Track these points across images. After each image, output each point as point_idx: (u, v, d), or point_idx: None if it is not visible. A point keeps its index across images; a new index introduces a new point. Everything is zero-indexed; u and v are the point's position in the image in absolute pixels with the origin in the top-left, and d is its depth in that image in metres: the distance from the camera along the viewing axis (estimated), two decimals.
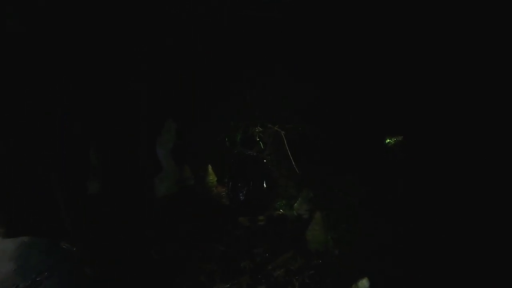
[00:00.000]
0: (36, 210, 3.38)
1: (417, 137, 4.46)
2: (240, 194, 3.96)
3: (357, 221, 3.98)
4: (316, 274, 3.55)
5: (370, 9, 4.32)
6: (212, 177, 5.02)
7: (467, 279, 3.25)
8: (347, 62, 4.68)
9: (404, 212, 4.03)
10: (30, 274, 2.14)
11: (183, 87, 5.16)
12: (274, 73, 4.90)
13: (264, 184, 4.30)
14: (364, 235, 3.90)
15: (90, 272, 2.98)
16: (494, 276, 3.15)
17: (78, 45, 3.68)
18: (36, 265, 2.23)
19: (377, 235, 3.92)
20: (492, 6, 3.57)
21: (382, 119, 4.83)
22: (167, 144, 5.08)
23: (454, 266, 3.38)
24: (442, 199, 3.92)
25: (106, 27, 3.91)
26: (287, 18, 4.63)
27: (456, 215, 3.77)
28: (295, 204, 4.29)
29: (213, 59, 4.89)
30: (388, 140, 4.98)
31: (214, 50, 4.85)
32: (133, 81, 4.27)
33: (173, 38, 4.57)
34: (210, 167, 5.07)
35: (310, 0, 4.56)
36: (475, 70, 3.93)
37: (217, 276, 3.47)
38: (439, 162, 4.15)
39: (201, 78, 5.05)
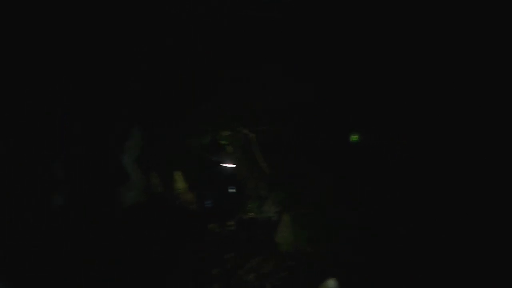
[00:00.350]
0: None
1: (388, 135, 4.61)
2: (208, 201, 3.89)
3: (326, 220, 4.05)
4: (288, 275, 3.57)
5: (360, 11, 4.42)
6: (180, 184, 4.89)
7: (437, 272, 3.40)
8: (322, 64, 4.75)
9: (373, 208, 4.15)
10: None
11: (149, 92, 5.01)
12: (242, 78, 4.88)
13: (233, 189, 4.26)
14: (333, 233, 3.99)
15: None
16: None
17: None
18: None
19: (346, 232, 4.03)
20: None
21: (348, 118, 4.94)
22: (133, 152, 4.92)
23: (422, 257, 3.52)
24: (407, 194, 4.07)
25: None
26: (263, 21, 4.62)
27: (424, 208, 3.92)
28: (265, 206, 4.29)
29: (182, 64, 4.80)
30: (353, 138, 5.12)
31: (182, 54, 4.76)
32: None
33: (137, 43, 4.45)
34: (178, 173, 4.94)
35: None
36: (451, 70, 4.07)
37: (188, 285, 3.41)
38: (405, 158, 4.30)
39: (168, 83, 4.93)
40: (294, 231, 3.76)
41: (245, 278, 3.51)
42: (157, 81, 4.99)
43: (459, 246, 3.48)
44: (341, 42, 4.57)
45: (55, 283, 3.31)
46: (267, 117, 4.86)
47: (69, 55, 4.01)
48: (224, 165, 4.45)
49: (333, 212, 4.07)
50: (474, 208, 3.61)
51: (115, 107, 4.72)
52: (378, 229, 3.79)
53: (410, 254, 3.57)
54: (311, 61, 4.65)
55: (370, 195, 4.20)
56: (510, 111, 3.70)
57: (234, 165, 4.70)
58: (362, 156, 4.70)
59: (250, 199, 4.53)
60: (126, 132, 4.91)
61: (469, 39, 3.93)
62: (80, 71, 4.16)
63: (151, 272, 3.58)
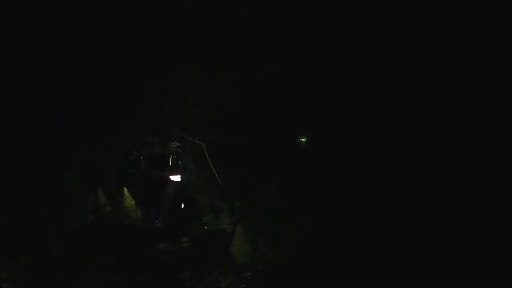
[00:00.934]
0: None
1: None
2: (157, 220, 3.71)
3: (280, 227, 4.08)
4: (246, 287, 3.55)
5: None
6: (129, 201, 4.64)
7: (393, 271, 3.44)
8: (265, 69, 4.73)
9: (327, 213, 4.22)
10: None
11: (90, 104, 4.67)
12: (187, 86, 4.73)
13: (186, 202, 4.12)
14: (289, 239, 4.03)
15: None
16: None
17: None
18: None
19: (301, 236, 4.09)
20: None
21: (299, 123, 5.02)
22: (75, 168, 4.55)
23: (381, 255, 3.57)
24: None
25: None
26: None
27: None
28: (218, 219, 4.23)
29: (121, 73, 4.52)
30: (301, 139, 5.23)
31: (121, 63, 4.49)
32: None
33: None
34: (125, 189, 4.67)
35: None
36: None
37: None
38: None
39: (109, 94, 4.62)
40: (248, 241, 3.73)
41: None
42: (97, 92, 4.67)
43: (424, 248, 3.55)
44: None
45: None
46: (216, 126, 4.78)
47: None
48: (174, 178, 4.27)
49: (286, 218, 4.11)
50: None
51: (52, 119, 4.34)
52: (334, 233, 3.84)
53: (371, 255, 3.59)
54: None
55: (324, 199, 4.25)
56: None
57: (186, 178, 4.56)
58: (312, 159, 4.83)
59: (204, 211, 4.44)
60: (67, 147, 4.54)
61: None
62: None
63: None
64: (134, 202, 4.66)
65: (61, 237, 3.88)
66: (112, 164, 4.95)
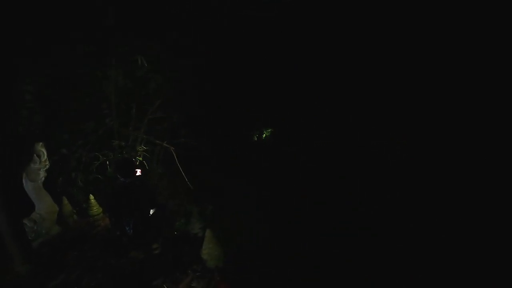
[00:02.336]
0: None
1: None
2: (128, 227, 3.65)
3: (252, 229, 4.17)
4: None
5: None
6: (96, 209, 4.51)
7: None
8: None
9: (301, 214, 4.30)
10: None
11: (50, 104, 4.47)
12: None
13: (155, 208, 4.07)
14: (262, 240, 4.12)
15: None
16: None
17: None
18: None
19: (273, 237, 4.19)
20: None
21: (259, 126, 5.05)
22: (37, 174, 4.32)
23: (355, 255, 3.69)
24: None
25: None
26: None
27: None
28: (188, 224, 4.23)
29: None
30: (264, 134, 5.30)
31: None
32: None
33: None
34: (92, 197, 4.53)
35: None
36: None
37: None
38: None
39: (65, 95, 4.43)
40: (219, 245, 3.78)
41: None
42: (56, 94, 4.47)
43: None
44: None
45: None
46: (184, 129, 4.74)
47: None
48: (143, 183, 4.20)
49: (255, 221, 4.19)
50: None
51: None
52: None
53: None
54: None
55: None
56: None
57: (155, 182, 4.51)
58: (282, 160, 4.93)
59: (174, 216, 4.42)
60: (26, 151, 4.32)
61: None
62: None
63: None
64: (101, 210, 4.54)
65: (24, 251, 3.72)
66: (75, 170, 4.77)
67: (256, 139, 5.12)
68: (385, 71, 4.62)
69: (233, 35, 4.63)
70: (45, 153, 4.29)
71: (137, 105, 4.80)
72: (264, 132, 5.17)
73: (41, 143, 4.21)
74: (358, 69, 4.72)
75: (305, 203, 4.40)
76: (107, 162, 4.71)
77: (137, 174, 3.94)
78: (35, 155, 4.21)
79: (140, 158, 4.59)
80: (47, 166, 4.29)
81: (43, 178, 4.33)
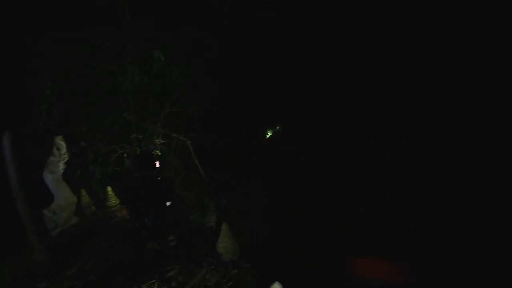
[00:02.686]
0: None
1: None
2: (146, 218, 3.67)
3: (265, 224, 4.11)
4: (234, 284, 3.57)
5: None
6: (114, 200, 4.56)
7: None
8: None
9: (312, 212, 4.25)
10: None
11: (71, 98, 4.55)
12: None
13: (170, 202, 4.07)
14: (274, 236, 4.06)
15: None
16: None
17: None
18: None
19: (286, 234, 4.12)
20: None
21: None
22: (57, 167, 4.40)
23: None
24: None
25: None
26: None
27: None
28: (204, 217, 4.21)
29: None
30: (269, 133, 5.23)
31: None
32: None
33: None
34: (109, 188, 4.58)
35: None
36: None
37: None
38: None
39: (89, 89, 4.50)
40: (235, 239, 3.74)
41: None
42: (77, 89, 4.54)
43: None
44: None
45: None
46: (201, 124, 4.73)
47: None
48: (158, 176, 4.21)
49: (270, 216, 4.13)
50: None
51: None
52: (319, 232, 3.89)
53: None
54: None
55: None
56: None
57: (170, 176, 4.51)
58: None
59: (190, 209, 4.41)
60: (46, 144, 4.41)
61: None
62: None
63: None
64: (118, 202, 4.58)
65: (44, 240, 3.79)
66: (93, 163, 4.84)
67: (266, 137, 5.05)
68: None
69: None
70: (64, 146, 4.36)
71: (153, 99, 4.83)
72: (268, 131, 5.11)
73: (60, 136, 4.28)
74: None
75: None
76: (125, 155, 4.75)
77: (156, 166, 3.95)
78: (54, 148, 4.29)
79: (158, 152, 4.61)
80: (66, 159, 4.36)
81: (62, 170, 4.40)
